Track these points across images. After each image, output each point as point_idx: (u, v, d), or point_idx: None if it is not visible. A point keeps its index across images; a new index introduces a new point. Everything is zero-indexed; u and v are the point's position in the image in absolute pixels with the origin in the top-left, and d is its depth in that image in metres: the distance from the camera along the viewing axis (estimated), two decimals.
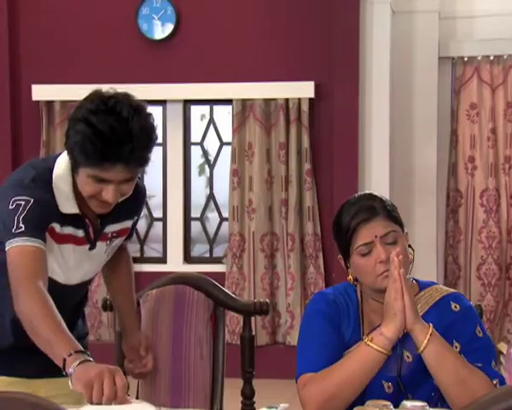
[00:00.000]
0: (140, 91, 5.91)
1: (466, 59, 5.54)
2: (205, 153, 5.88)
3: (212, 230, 5.92)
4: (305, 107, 5.37)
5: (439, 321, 2.09)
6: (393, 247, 2.03)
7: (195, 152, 5.88)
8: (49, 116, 5.55)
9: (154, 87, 5.54)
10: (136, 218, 2.37)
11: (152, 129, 2.06)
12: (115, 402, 1.74)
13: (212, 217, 5.95)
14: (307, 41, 5.43)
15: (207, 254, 5.95)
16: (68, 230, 2.17)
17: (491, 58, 5.48)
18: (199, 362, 2.42)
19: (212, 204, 5.89)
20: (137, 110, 2.02)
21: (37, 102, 5.51)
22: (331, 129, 5.39)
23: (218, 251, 5.89)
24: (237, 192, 5.52)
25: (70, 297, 2.26)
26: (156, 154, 5.85)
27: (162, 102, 5.71)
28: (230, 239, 5.59)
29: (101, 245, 2.24)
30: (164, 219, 5.87)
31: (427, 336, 1.97)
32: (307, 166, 5.42)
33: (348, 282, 2.21)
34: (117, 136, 1.95)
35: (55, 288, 2.08)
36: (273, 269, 5.54)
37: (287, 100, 5.41)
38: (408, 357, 2.07)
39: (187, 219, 5.85)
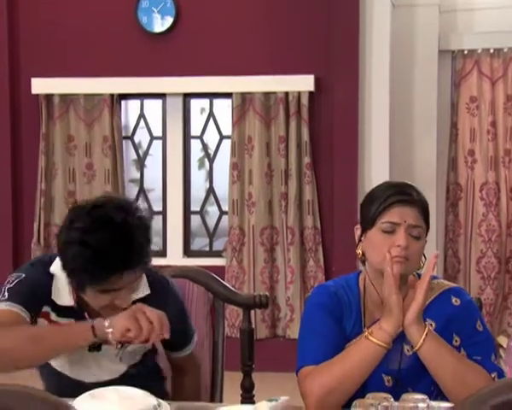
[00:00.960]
0: (139, 85, 5.88)
1: (466, 52, 5.54)
2: (204, 147, 5.87)
3: (211, 223, 5.92)
4: (304, 100, 5.37)
5: (439, 315, 2.09)
6: (415, 243, 2.04)
7: (195, 146, 5.87)
8: (49, 109, 5.54)
9: (153, 80, 5.53)
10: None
11: (146, 222, 1.97)
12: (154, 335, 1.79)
13: (212, 210, 5.94)
14: (307, 34, 5.42)
15: (207, 248, 5.95)
16: (66, 321, 2.04)
17: (491, 51, 5.47)
18: (199, 355, 2.42)
19: (211, 198, 5.89)
20: (126, 210, 1.93)
21: (37, 95, 5.51)
22: (331, 122, 5.38)
23: (218, 245, 5.89)
24: (237, 186, 5.52)
25: None
26: (156, 147, 5.85)
27: (162, 96, 5.71)
28: (230, 233, 5.59)
29: (107, 347, 2.03)
30: (164, 213, 5.87)
31: (424, 336, 1.97)
32: (307, 159, 5.42)
33: (350, 274, 2.21)
34: (118, 247, 1.87)
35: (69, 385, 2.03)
36: (273, 263, 5.54)
37: (286, 93, 5.40)
38: (408, 351, 2.07)
39: (187, 212, 5.85)
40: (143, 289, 2.07)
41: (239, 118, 5.49)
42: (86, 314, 2.04)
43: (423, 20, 5.48)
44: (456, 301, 2.13)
